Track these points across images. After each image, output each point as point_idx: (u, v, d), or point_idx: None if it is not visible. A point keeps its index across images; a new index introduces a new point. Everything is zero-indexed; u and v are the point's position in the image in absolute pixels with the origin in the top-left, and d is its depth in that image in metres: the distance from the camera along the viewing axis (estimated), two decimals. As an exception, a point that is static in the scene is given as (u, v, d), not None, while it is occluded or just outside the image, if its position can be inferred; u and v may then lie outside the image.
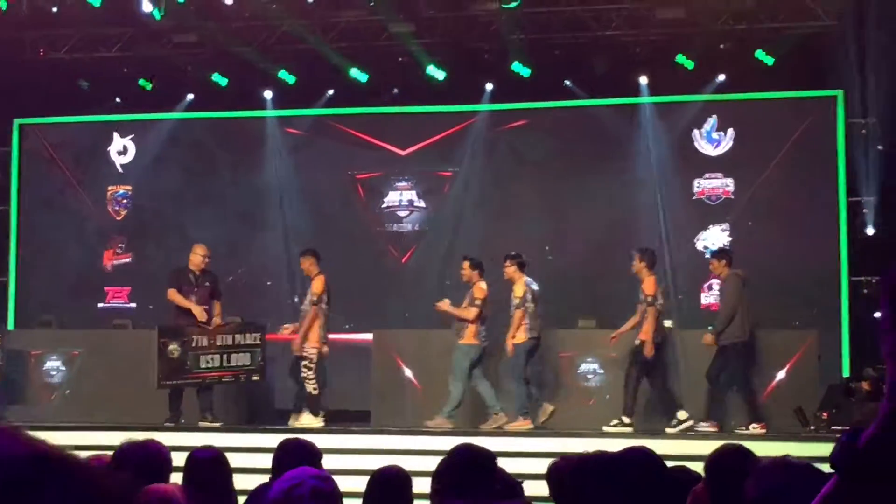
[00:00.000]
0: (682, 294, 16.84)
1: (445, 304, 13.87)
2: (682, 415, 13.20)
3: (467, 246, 17.30)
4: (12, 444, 1.18)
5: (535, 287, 13.84)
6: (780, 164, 16.80)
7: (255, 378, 14.07)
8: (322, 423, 13.53)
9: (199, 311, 13.86)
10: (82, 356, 15.24)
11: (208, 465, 5.22)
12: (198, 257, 14.15)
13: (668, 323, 14.15)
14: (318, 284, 13.74)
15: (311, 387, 13.59)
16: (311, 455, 5.45)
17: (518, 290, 13.65)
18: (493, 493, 4.65)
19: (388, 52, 17.10)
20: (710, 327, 13.89)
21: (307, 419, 13.56)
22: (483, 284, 13.74)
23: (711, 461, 4.41)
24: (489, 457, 4.85)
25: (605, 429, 13.15)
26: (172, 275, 14.28)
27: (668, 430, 13.13)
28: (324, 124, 18.21)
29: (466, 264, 13.90)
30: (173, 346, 13.59)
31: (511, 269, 13.80)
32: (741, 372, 13.48)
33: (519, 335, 13.59)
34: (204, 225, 17.90)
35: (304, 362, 13.65)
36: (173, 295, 14.00)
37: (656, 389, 13.55)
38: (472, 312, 13.56)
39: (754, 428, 13.07)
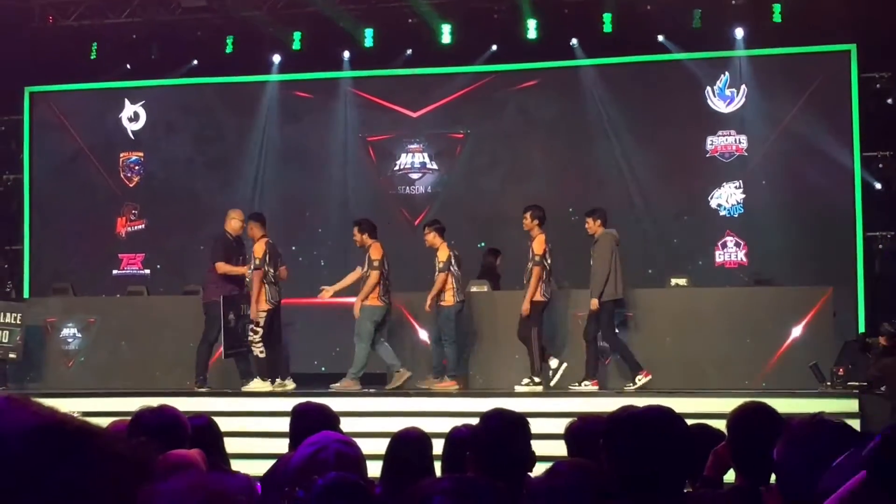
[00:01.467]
0: (696, 252, 16.77)
1: (328, 291, 13.80)
2: (537, 378, 13.27)
3: (480, 207, 17.29)
4: (22, 415, 1.15)
5: (456, 252, 13.81)
6: (793, 120, 16.69)
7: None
8: (271, 388, 13.40)
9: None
10: (98, 323, 15.25)
11: (200, 433, 5.20)
12: (237, 223, 13.91)
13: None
14: (258, 248, 13.66)
15: (258, 350, 13.50)
16: (328, 419, 5.43)
17: (442, 255, 13.62)
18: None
19: (398, 14, 16.99)
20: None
21: (256, 384, 13.45)
22: (378, 246, 13.65)
23: (734, 420, 4.36)
24: (523, 422, 4.80)
25: (517, 388, 13.26)
26: (216, 246, 13.89)
27: (517, 388, 13.22)
28: (334, 87, 18.14)
29: (356, 229, 13.72)
30: (231, 317, 13.55)
31: (431, 236, 13.74)
32: (612, 329, 13.47)
33: (447, 298, 13.59)
34: (216, 190, 17.90)
35: (252, 326, 13.56)
36: (224, 267, 13.64)
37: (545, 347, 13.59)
38: (373, 276, 13.49)
39: (586, 385, 13.17)
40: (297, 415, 5.67)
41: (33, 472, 1.10)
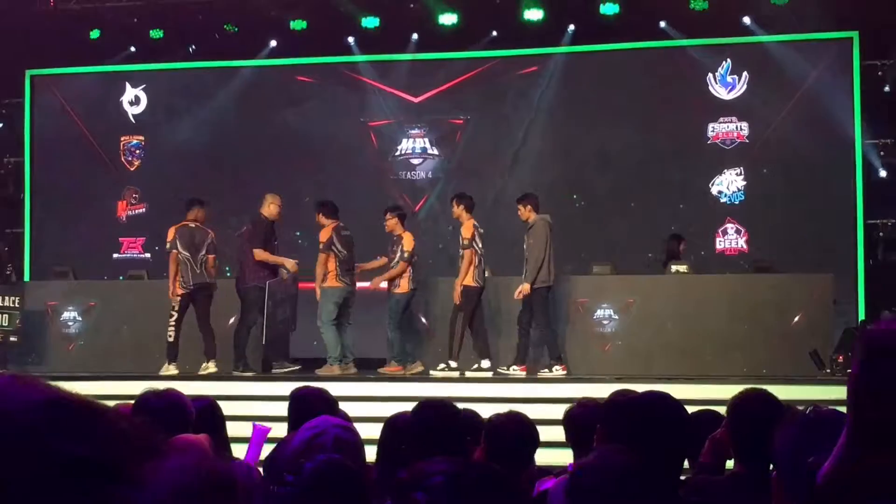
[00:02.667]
0: (698, 239, 16.77)
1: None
2: (453, 364, 13.38)
3: (480, 192, 17.25)
4: (27, 390, 1.15)
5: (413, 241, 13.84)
6: (794, 107, 16.67)
7: None
8: (177, 371, 13.44)
9: (291, 264, 13.74)
10: (98, 307, 15.27)
11: (202, 415, 5.21)
12: (276, 207, 13.85)
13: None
14: (170, 232, 13.71)
15: (169, 333, 13.57)
16: (326, 403, 5.44)
17: (407, 245, 13.66)
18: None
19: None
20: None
21: (166, 369, 13.50)
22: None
23: (734, 406, 4.35)
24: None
25: (433, 373, 13.37)
26: (255, 231, 13.77)
27: (433, 373, 13.40)
28: (335, 72, 18.13)
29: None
30: (270, 303, 13.58)
31: (392, 222, 13.74)
32: (546, 316, 13.49)
33: (402, 285, 13.61)
34: (217, 175, 17.89)
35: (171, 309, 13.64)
36: (262, 255, 13.57)
37: (471, 334, 13.62)
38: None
39: (515, 370, 13.29)
40: (296, 399, 5.68)
41: (40, 447, 1.10)
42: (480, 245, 13.52)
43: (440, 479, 2.15)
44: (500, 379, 13.11)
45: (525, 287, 13.32)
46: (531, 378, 13.17)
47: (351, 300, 13.78)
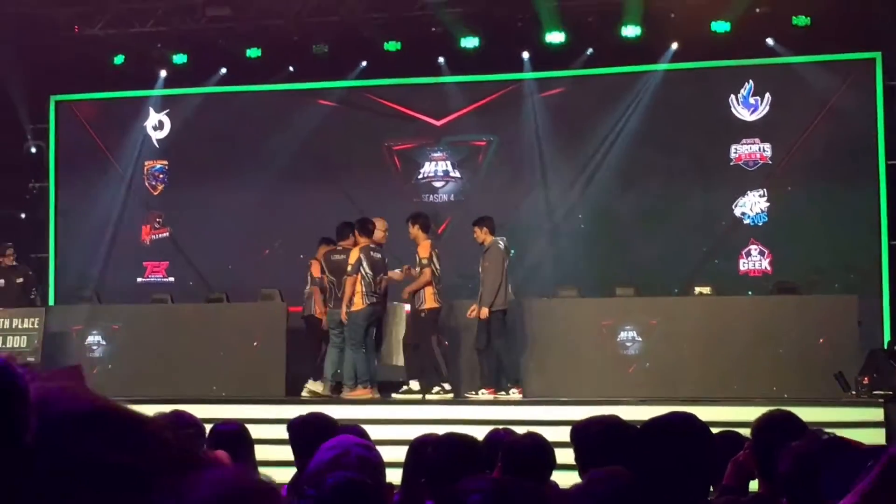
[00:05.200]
0: (719, 260, 16.73)
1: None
2: (414, 385, 13.48)
3: (502, 215, 17.25)
4: (74, 399, 1.18)
5: (377, 255, 13.79)
6: (817, 127, 16.63)
7: None
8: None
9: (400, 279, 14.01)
10: (122, 330, 15.32)
11: (232, 439, 5.22)
12: (381, 233, 13.95)
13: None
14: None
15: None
16: (327, 427, 5.44)
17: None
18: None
19: (421, 24, 17.02)
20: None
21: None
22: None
23: (759, 427, 4.34)
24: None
25: (395, 395, 13.51)
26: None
27: (395, 395, 13.54)
28: (357, 96, 18.18)
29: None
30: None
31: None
32: (503, 338, 13.57)
33: (357, 301, 13.58)
34: (239, 199, 17.94)
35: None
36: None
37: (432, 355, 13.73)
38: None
39: (483, 393, 13.40)
40: (296, 428, 5.68)
41: (84, 455, 1.13)
42: (438, 266, 13.54)
43: (478, 497, 2.16)
44: (500, 402, 13.23)
45: (483, 311, 13.35)
46: (529, 400, 13.20)
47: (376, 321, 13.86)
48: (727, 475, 4.53)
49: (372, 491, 3.36)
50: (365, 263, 13.55)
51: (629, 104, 17.20)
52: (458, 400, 13.48)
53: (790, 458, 3.47)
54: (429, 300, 13.48)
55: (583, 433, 4.97)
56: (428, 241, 13.61)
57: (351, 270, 13.56)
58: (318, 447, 3.75)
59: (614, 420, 4.92)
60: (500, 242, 13.68)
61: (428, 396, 13.45)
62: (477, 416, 12.10)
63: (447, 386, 13.49)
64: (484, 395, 13.40)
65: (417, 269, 13.58)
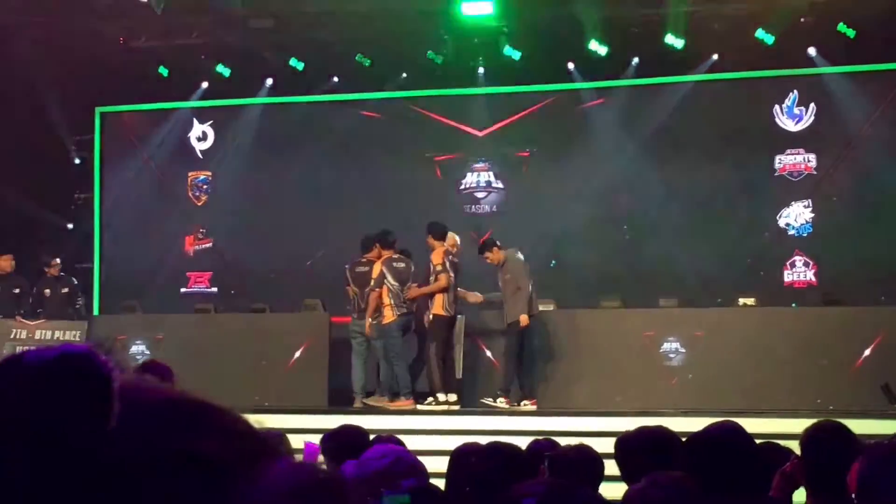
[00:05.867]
0: (763, 271, 16.61)
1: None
2: (442, 397, 13.43)
3: (544, 225, 17.23)
4: (150, 391, 1.22)
5: (401, 265, 13.86)
6: (863, 137, 16.50)
7: None
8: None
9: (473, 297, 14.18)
10: (166, 340, 15.40)
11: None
12: (452, 247, 14.03)
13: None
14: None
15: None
16: (360, 439, 5.47)
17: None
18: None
19: (462, 33, 17.03)
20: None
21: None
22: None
23: (808, 438, 4.29)
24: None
25: (419, 406, 13.47)
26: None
27: (420, 406, 13.48)
28: (400, 106, 18.20)
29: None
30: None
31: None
32: (519, 348, 13.64)
33: (387, 314, 13.66)
34: (282, 209, 18.01)
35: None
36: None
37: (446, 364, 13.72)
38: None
39: (501, 402, 13.45)
40: (329, 440, 5.71)
41: (169, 443, 1.16)
42: (452, 274, 13.56)
43: (532, 501, 2.15)
44: (545, 412, 13.21)
45: (524, 318, 13.37)
46: (571, 411, 13.15)
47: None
48: (774, 487, 4.49)
49: (443, 498, 3.40)
50: (389, 276, 13.68)
51: (672, 114, 17.13)
52: (486, 410, 13.45)
53: (867, 462, 3.42)
54: (437, 307, 13.50)
55: (629, 444, 4.94)
56: (442, 248, 13.62)
57: (374, 284, 13.69)
58: (350, 458, 3.76)
59: (660, 431, 4.88)
60: (519, 253, 13.72)
61: (421, 407, 13.48)
62: (514, 427, 12.07)
63: (441, 397, 13.45)
64: (501, 403, 13.39)
65: (432, 277, 13.61)
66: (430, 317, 13.58)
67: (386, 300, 13.66)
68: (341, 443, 5.49)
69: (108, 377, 1.15)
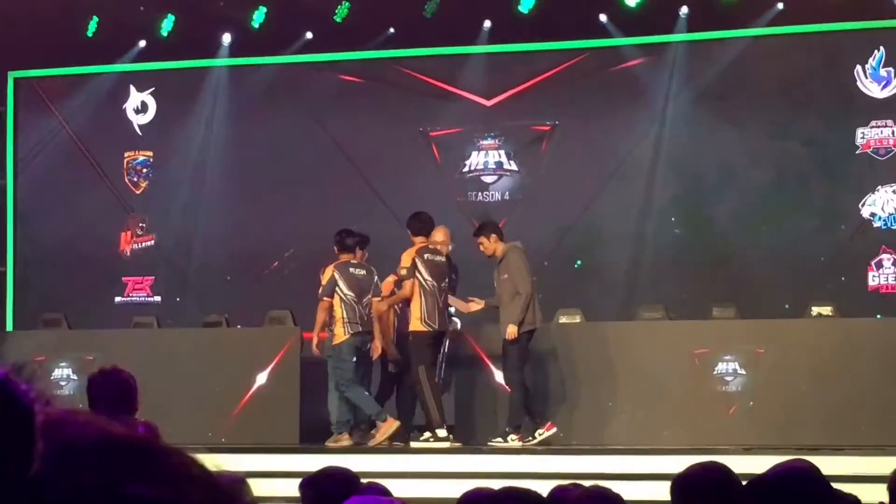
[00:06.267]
0: (842, 273, 16.61)
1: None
2: (442, 433, 13.48)
3: (570, 217, 17.24)
4: (89, 428, 1.22)
5: (360, 272, 14.02)
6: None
7: None
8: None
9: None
10: (97, 361, 15.40)
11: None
12: (443, 245, 14.23)
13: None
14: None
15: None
16: (348, 485, 5.49)
17: (324, 277, 13.90)
18: None
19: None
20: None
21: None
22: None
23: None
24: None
25: (413, 444, 13.61)
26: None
27: (413, 444, 13.59)
28: (387, 69, 18.20)
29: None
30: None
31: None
32: (520, 370, 13.61)
33: (338, 332, 13.79)
34: (241, 197, 18.01)
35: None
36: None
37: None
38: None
39: (513, 440, 13.43)
40: (311, 486, 5.74)
41: (103, 487, 1.16)
42: (430, 278, 13.61)
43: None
44: (571, 449, 13.36)
45: (511, 329, 13.38)
46: (603, 449, 13.24)
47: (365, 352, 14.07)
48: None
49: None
50: (342, 284, 13.71)
51: (728, 78, 17.12)
52: (497, 448, 13.47)
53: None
54: (414, 321, 13.60)
55: (686, 484, 4.97)
56: (416, 247, 13.77)
57: (321, 292, 13.84)
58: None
59: (722, 470, 4.90)
60: (519, 245, 13.79)
61: (416, 444, 13.59)
62: (533, 469, 12.10)
63: (441, 433, 13.49)
64: (513, 441, 13.40)
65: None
66: (409, 335, 13.68)
67: (339, 314, 13.73)
68: (324, 491, 5.50)
69: (29, 409, 1.14)
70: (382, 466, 12.21)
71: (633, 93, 17.58)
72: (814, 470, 3.88)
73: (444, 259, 13.96)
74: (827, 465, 5.80)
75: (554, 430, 13.49)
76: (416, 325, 13.59)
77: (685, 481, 5.10)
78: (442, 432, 13.45)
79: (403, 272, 13.59)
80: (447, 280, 13.94)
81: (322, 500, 5.32)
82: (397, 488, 6.79)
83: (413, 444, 13.56)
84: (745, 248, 16.68)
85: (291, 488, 11.01)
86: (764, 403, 13.82)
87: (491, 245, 13.79)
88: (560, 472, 10.81)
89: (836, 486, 4.41)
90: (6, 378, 1.16)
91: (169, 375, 14.77)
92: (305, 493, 5.74)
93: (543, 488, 5.63)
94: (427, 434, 13.57)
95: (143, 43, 18.33)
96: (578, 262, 17.15)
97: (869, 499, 5.18)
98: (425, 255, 13.69)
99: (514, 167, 18.03)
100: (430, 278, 13.60)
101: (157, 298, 18.57)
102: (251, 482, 6.00)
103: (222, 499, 1.24)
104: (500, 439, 13.51)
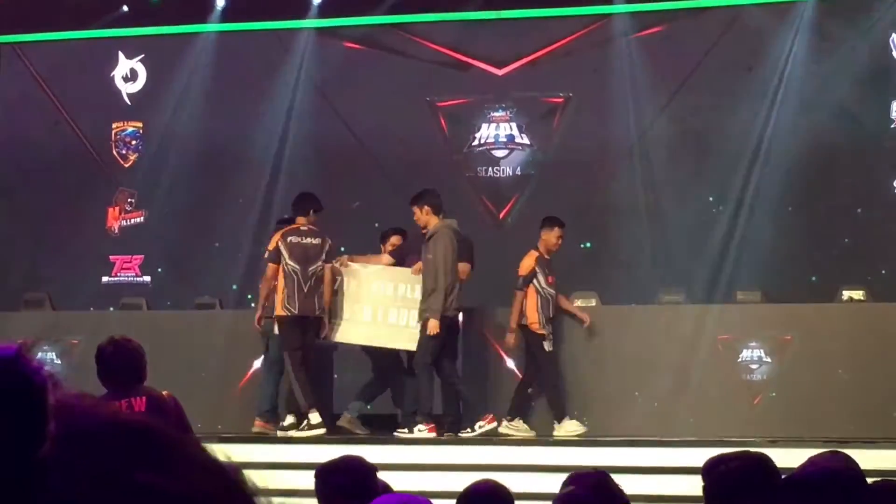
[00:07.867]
0: (877, 256, 16.58)
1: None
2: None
3: (586, 195, 17.22)
4: (110, 415, 1.26)
5: (309, 240, 14.05)
6: None
7: None
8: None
9: None
10: (83, 345, 15.42)
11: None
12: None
13: None
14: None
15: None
16: (365, 476, 5.49)
17: (271, 244, 14.06)
18: None
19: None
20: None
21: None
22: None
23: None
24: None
25: (396, 434, 13.75)
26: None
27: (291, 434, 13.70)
28: (391, 35, 18.16)
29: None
30: None
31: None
32: (431, 358, 13.67)
33: (278, 307, 13.82)
34: (236, 171, 17.99)
35: None
36: None
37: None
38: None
39: (421, 430, 13.44)
40: (326, 476, 5.73)
41: (113, 474, 1.18)
42: (292, 262, 13.75)
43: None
44: (587, 440, 13.14)
45: (433, 322, 13.39)
46: (618, 440, 13.21)
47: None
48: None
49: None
50: (285, 253, 13.76)
51: (755, 46, 17.08)
52: (519, 440, 13.49)
53: None
54: (277, 306, 13.74)
55: (718, 470, 4.99)
56: (279, 232, 14.10)
57: (267, 258, 13.91)
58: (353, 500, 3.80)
59: (757, 458, 4.90)
60: (453, 224, 13.81)
61: (296, 434, 13.67)
62: (550, 461, 12.10)
63: (314, 418, 13.53)
64: (421, 430, 13.39)
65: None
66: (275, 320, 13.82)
67: (280, 285, 13.73)
68: (339, 484, 5.49)
69: (42, 388, 1.14)
70: (405, 457, 12.29)
71: (651, 62, 17.52)
72: (849, 463, 3.88)
73: (314, 241, 13.92)
74: (862, 458, 5.78)
75: (494, 423, 13.51)
76: (279, 309, 13.65)
77: (715, 468, 5.11)
78: (315, 418, 13.44)
79: (266, 255, 13.86)
80: (318, 265, 13.87)
81: (337, 490, 5.31)
82: (397, 485, 6.79)
83: (290, 434, 13.66)
84: (772, 227, 16.64)
85: (289, 479, 11.06)
86: (791, 393, 13.84)
87: (423, 217, 13.80)
88: (575, 465, 10.79)
89: (869, 480, 4.39)
90: (19, 355, 1.16)
91: (159, 360, 14.73)
92: (322, 485, 5.73)
93: (555, 482, 5.64)
94: (292, 420, 13.66)
95: (125, 7, 18.26)
96: (587, 244, 17.08)
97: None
98: (289, 238, 13.77)
99: (526, 141, 18.00)
100: (292, 262, 13.66)
101: (147, 279, 18.56)
102: (251, 473, 6.02)
103: (231, 489, 1.24)
104: (405, 430, 13.52)
